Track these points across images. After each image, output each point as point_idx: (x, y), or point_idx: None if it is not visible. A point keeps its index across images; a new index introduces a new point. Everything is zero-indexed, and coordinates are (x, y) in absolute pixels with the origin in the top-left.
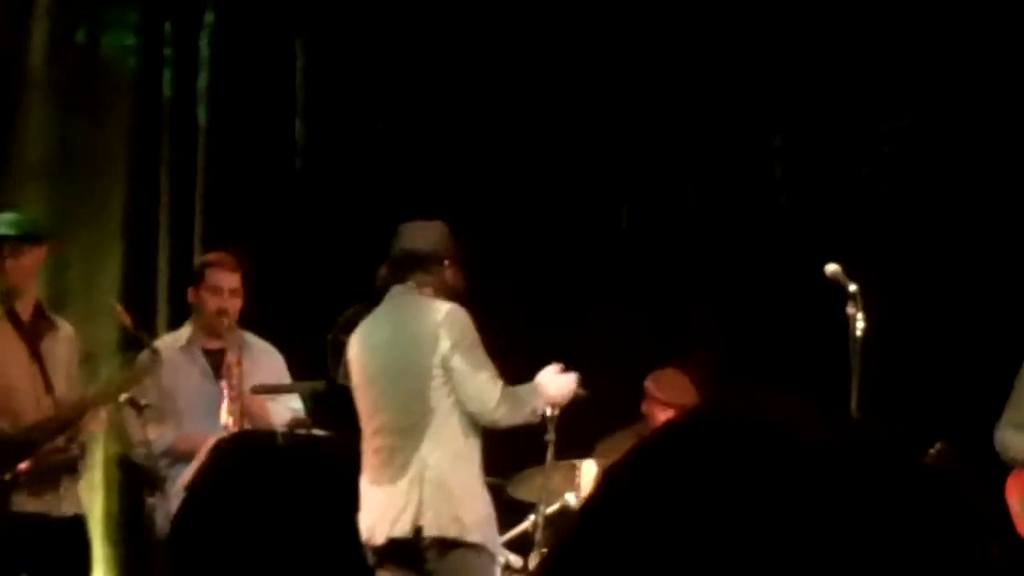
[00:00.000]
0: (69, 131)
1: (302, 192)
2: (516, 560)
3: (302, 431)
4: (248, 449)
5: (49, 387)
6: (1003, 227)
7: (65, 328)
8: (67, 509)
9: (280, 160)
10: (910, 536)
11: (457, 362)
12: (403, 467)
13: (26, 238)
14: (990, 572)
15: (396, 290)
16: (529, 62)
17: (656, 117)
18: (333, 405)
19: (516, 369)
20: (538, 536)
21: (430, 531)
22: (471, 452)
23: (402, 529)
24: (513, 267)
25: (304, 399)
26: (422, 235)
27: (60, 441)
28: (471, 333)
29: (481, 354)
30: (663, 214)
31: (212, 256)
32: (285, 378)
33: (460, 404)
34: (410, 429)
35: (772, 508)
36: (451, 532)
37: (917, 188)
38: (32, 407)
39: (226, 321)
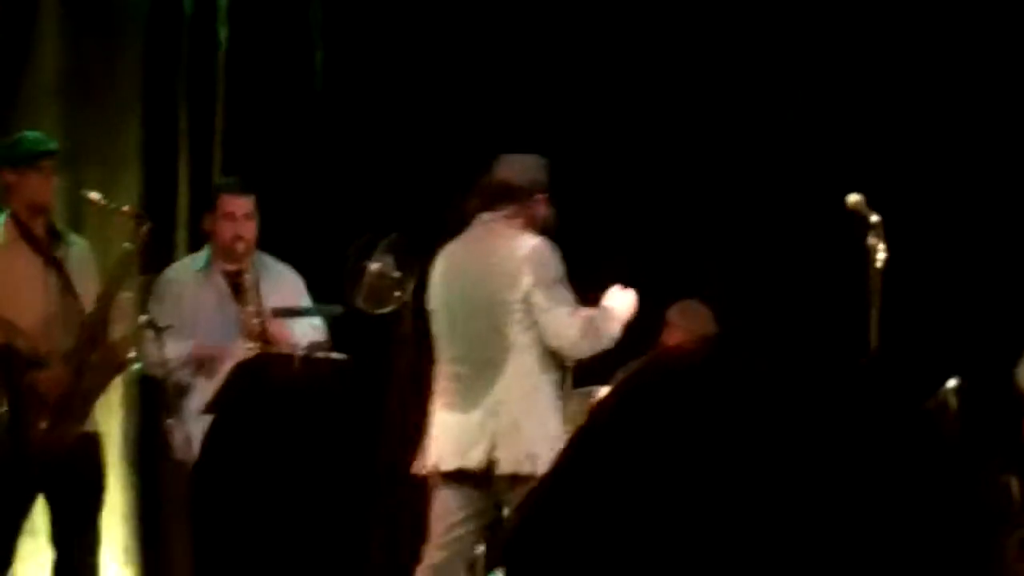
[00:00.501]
0: (86, 52)
1: (322, 113)
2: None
3: (320, 354)
4: (266, 371)
5: (71, 292)
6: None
7: (79, 242)
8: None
9: (300, 81)
10: (884, 476)
11: (539, 298)
12: (477, 400)
13: (30, 157)
14: (966, 517)
15: (484, 218)
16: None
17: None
18: (350, 328)
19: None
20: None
21: (503, 468)
22: (547, 387)
23: (473, 461)
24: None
25: (323, 322)
26: (518, 167)
27: (108, 348)
28: (555, 269)
29: (563, 290)
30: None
31: (225, 181)
32: (304, 299)
33: (540, 340)
34: (486, 363)
35: (746, 442)
36: (525, 468)
37: (940, 120)
38: (54, 317)
39: (241, 246)
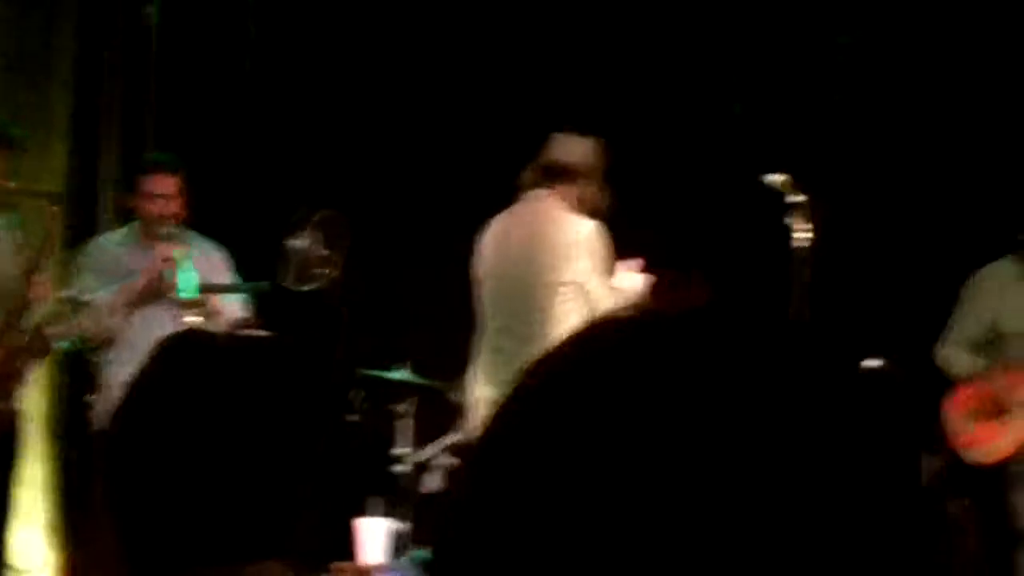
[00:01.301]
0: (17, 28)
1: (253, 90)
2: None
3: (247, 331)
4: (189, 348)
5: None
6: (953, 144)
7: (4, 220)
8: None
9: (232, 58)
10: (825, 439)
11: (595, 284)
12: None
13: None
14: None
15: (537, 194)
16: None
17: (604, 25)
18: (277, 306)
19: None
20: None
21: None
22: None
23: None
24: (470, 171)
25: (249, 299)
26: (573, 148)
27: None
28: (605, 252)
29: (609, 274)
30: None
31: (149, 160)
32: (231, 276)
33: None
34: (531, 338)
35: (682, 406)
36: None
37: (868, 101)
38: None
39: (164, 227)
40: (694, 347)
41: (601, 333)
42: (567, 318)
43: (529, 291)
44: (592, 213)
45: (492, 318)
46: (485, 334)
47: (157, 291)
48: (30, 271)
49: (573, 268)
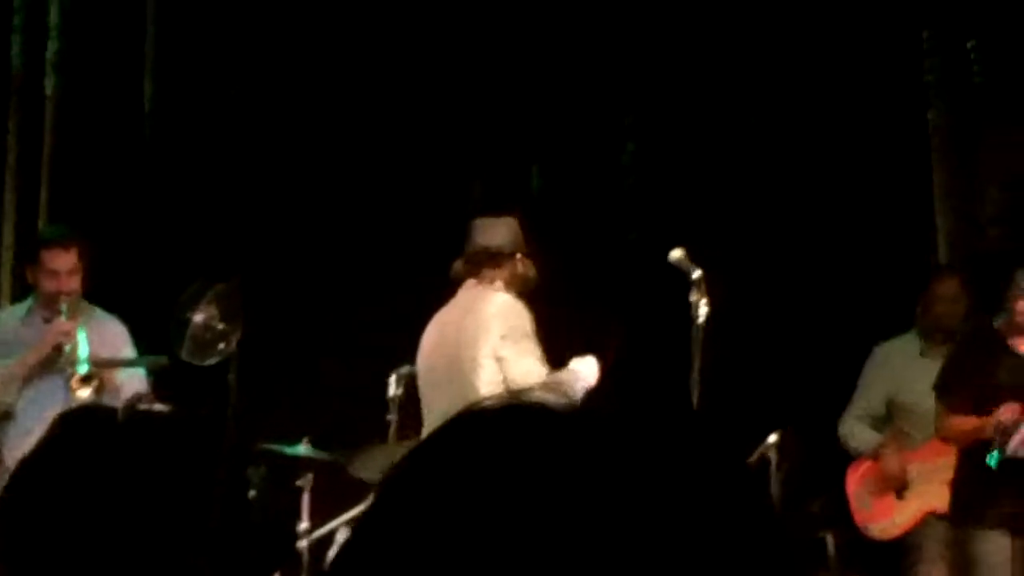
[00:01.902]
0: None
1: (150, 163)
2: None
3: (143, 406)
4: (86, 424)
5: None
6: (850, 219)
7: None
8: None
9: (129, 129)
10: (687, 528)
11: (506, 351)
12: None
13: None
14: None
15: (469, 283)
16: (381, 34)
17: (503, 98)
18: (175, 380)
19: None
20: None
21: None
22: None
23: None
24: (365, 247)
25: (147, 373)
26: (493, 231)
27: None
28: (522, 323)
29: (530, 343)
30: (511, 193)
31: (46, 234)
32: (129, 349)
33: None
34: None
35: (546, 494)
36: None
37: (766, 175)
38: None
39: (63, 302)
40: (548, 440)
41: (465, 426)
42: (495, 392)
43: (457, 373)
44: (524, 288)
45: (429, 407)
46: (425, 426)
47: (52, 363)
48: None
49: (489, 342)
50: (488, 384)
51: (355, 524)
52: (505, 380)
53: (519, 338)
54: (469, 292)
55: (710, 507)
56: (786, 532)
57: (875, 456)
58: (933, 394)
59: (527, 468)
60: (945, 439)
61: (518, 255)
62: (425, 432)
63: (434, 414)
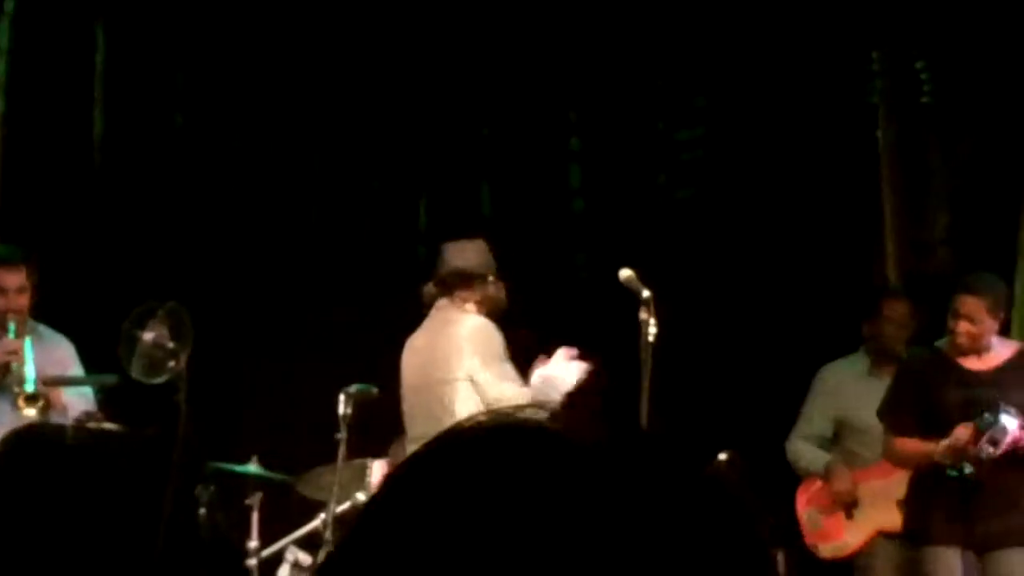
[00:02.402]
0: None
1: (99, 185)
2: (305, 558)
3: (93, 425)
4: (35, 443)
5: None
6: (797, 238)
7: None
8: None
9: (78, 153)
10: (677, 540)
11: (482, 376)
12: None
13: None
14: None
15: (440, 303)
16: (326, 56)
17: (454, 117)
18: (124, 399)
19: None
20: (328, 535)
21: None
22: None
23: None
24: (313, 266)
25: (95, 392)
26: (464, 254)
27: None
28: (495, 345)
29: (505, 365)
30: (461, 214)
31: None
32: (77, 368)
33: None
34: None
35: (536, 511)
36: None
37: (712, 196)
38: None
39: (11, 321)
40: (539, 460)
41: (447, 448)
42: (471, 412)
43: (433, 394)
44: (494, 309)
45: (409, 428)
46: (407, 446)
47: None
48: None
49: (463, 364)
50: (463, 404)
51: (336, 546)
52: (483, 403)
53: (491, 361)
54: (440, 314)
55: (698, 521)
56: (764, 539)
57: (825, 476)
58: None
59: (514, 489)
60: (891, 462)
61: (490, 277)
62: (408, 451)
63: (413, 438)
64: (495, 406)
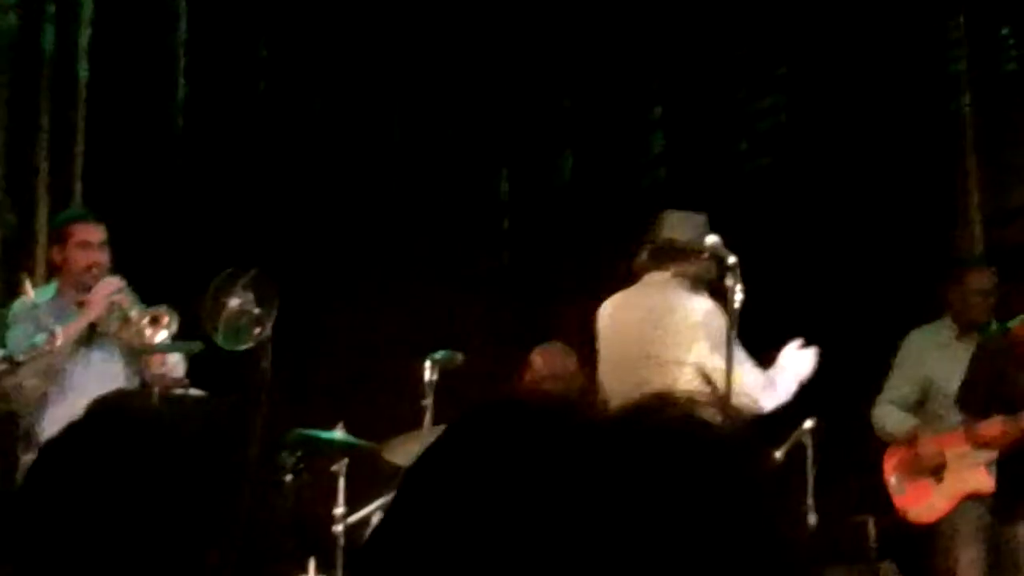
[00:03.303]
0: None
1: (182, 149)
2: None
3: (178, 391)
4: (120, 410)
5: None
6: (878, 206)
7: None
8: None
9: (161, 119)
10: (695, 517)
11: (718, 362)
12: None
13: None
14: (777, 548)
15: (654, 276)
16: (408, 26)
17: (536, 86)
18: (208, 366)
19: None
20: None
21: None
22: None
23: None
24: (396, 234)
25: (182, 358)
26: (685, 226)
27: None
28: (723, 330)
29: (738, 350)
30: (542, 184)
31: (74, 212)
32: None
33: None
34: None
35: (560, 489)
36: None
37: (792, 164)
38: None
39: (96, 273)
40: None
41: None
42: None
43: (650, 372)
44: (704, 287)
45: (610, 388)
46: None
47: (105, 325)
48: None
49: (694, 349)
50: (686, 388)
51: (385, 511)
52: (718, 389)
53: (720, 346)
54: (655, 287)
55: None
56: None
57: (911, 440)
58: None
59: (531, 469)
60: (974, 446)
61: (705, 253)
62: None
63: (616, 399)
64: (736, 390)
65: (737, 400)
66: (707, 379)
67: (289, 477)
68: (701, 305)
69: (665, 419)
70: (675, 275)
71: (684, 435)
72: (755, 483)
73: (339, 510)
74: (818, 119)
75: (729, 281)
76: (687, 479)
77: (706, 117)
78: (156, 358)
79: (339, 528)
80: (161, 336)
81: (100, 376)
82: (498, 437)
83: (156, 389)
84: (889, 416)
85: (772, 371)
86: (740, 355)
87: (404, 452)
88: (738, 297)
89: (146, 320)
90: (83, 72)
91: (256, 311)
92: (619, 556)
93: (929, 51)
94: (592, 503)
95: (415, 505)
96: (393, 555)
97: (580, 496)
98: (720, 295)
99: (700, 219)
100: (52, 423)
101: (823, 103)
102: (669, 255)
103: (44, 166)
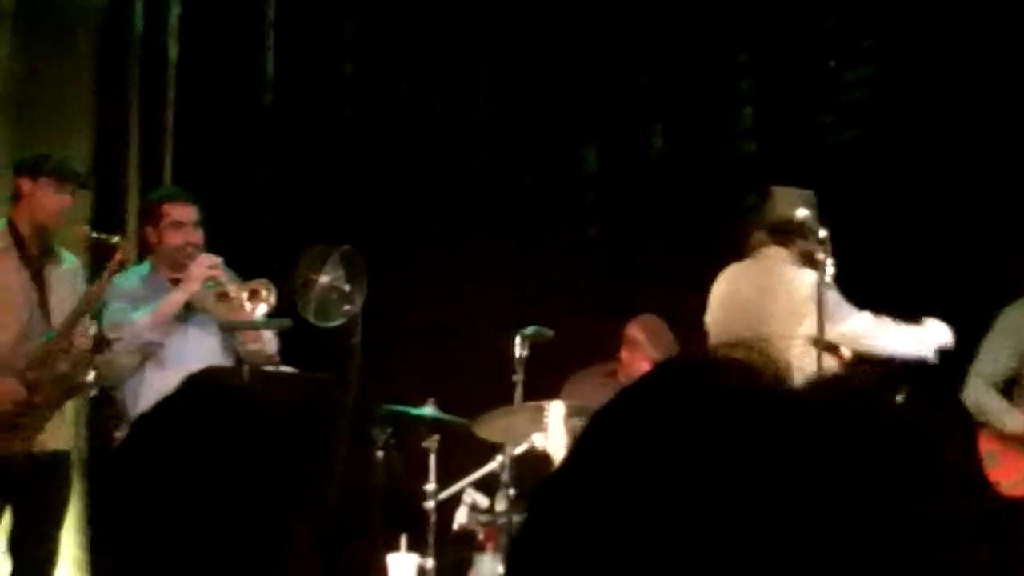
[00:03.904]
0: (38, 63)
1: (271, 128)
2: (483, 500)
3: (269, 368)
4: (211, 387)
5: (46, 310)
6: (966, 179)
7: (69, 260)
8: (51, 444)
9: (249, 96)
10: (879, 489)
11: (841, 329)
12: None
13: (55, 173)
14: (957, 524)
15: (766, 252)
16: (492, 4)
17: (623, 60)
18: (298, 342)
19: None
20: (505, 476)
21: None
22: None
23: None
24: (486, 209)
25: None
26: (797, 202)
27: (66, 367)
28: (835, 298)
29: (844, 306)
30: (631, 158)
31: (166, 191)
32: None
33: None
34: None
35: (745, 463)
36: None
37: (879, 137)
38: (27, 332)
39: (190, 252)
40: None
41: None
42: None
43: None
44: (810, 263)
45: None
46: None
47: (202, 301)
48: (79, 314)
49: (806, 323)
50: (799, 363)
51: (563, 462)
52: (840, 355)
53: (835, 313)
54: (768, 262)
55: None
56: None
57: (1005, 425)
58: None
59: (721, 437)
60: None
61: (820, 232)
62: None
63: None
64: (858, 330)
65: (862, 343)
66: (828, 348)
67: (380, 453)
68: (810, 279)
69: (853, 398)
70: (786, 251)
71: (875, 416)
72: (944, 467)
73: (430, 486)
74: (906, 91)
75: (820, 255)
76: (883, 460)
77: (794, 90)
78: (250, 334)
79: (430, 504)
80: (261, 310)
81: (196, 352)
82: (681, 401)
83: (247, 366)
84: (983, 398)
85: (915, 327)
86: (847, 310)
87: (495, 428)
88: (829, 271)
89: (245, 295)
90: (172, 50)
91: (346, 287)
92: (804, 536)
93: (1019, 20)
94: (791, 480)
95: (591, 467)
96: (564, 523)
97: (778, 471)
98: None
99: (808, 195)
100: (149, 399)
101: (911, 75)
102: (782, 232)
103: (134, 144)
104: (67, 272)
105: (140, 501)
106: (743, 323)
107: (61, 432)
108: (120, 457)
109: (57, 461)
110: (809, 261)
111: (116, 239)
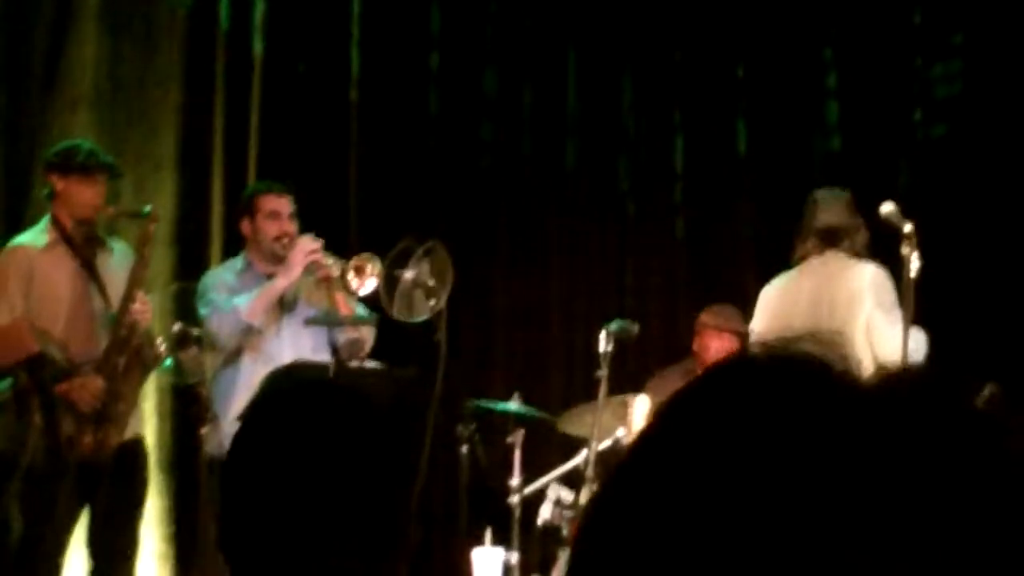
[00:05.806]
0: (123, 61)
1: (357, 123)
2: (568, 495)
3: (355, 363)
4: (297, 382)
5: (105, 297)
6: None
7: (119, 247)
8: (128, 432)
9: (335, 92)
10: (960, 485)
11: (877, 320)
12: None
13: (82, 167)
14: None
15: (823, 259)
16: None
17: (710, 56)
18: (384, 338)
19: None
20: (589, 472)
21: None
22: None
23: None
24: (572, 205)
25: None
26: (840, 207)
27: (136, 342)
28: (891, 291)
29: (899, 313)
30: (716, 154)
31: (264, 184)
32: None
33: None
34: None
35: (817, 456)
36: None
37: (968, 133)
38: (88, 323)
39: (286, 243)
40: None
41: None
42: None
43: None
44: (866, 254)
45: None
46: None
47: (302, 288)
48: (127, 296)
49: (863, 311)
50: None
51: (603, 485)
52: (876, 345)
53: (890, 307)
54: (827, 264)
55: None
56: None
57: None
58: None
59: (788, 431)
60: None
61: (860, 227)
62: None
63: None
64: (888, 346)
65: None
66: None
67: (465, 448)
68: (866, 269)
69: (928, 395)
70: (837, 253)
71: (954, 412)
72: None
73: (515, 481)
74: (994, 87)
75: (905, 250)
76: (961, 456)
77: (881, 85)
78: (346, 313)
79: (515, 499)
80: (369, 284)
81: (292, 344)
82: (756, 393)
83: (334, 361)
84: None
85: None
86: (897, 318)
87: (579, 423)
88: (914, 265)
89: (351, 273)
90: (258, 47)
91: (431, 283)
92: (880, 536)
93: None
94: (868, 474)
95: (664, 452)
96: (626, 516)
97: (854, 464)
98: (896, 264)
99: (846, 196)
100: (247, 391)
101: (999, 70)
102: (834, 238)
103: (219, 141)
104: (119, 258)
105: (259, 502)
106: (801, 320)
107: (135, 419)
108: (233, 460)
109: (133, 448)
110: (868, 253)
111: (148, 208)
